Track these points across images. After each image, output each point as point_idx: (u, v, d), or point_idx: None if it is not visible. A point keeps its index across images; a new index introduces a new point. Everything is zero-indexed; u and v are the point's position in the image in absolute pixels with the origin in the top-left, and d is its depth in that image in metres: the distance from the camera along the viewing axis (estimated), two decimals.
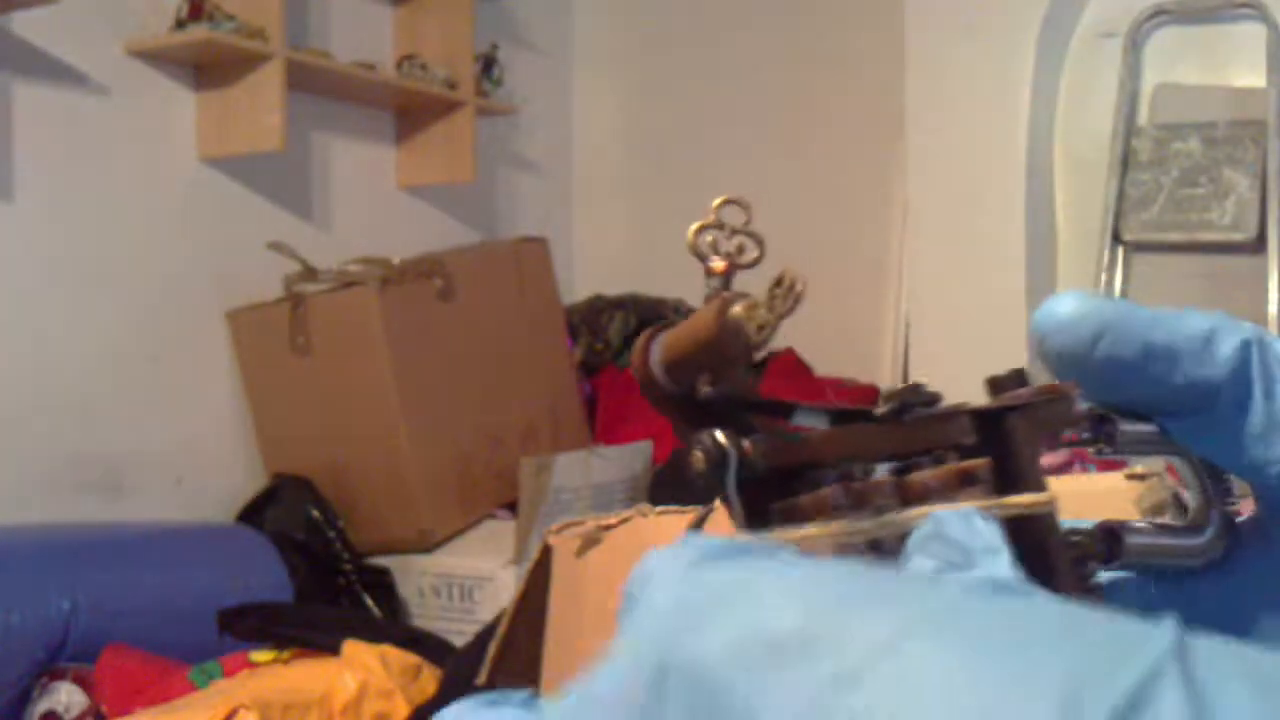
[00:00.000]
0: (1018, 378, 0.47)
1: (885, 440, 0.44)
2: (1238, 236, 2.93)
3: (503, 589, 2.71)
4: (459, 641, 2.41)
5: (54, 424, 2.61)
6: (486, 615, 2.55)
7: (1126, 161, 3.05)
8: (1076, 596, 0.43)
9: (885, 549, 0.41)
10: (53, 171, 2.62)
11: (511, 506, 2.96)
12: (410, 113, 3.41)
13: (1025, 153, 3.07)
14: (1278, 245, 2.88)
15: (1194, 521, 0.48)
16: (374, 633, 2.32)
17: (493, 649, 1.61)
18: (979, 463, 0.43)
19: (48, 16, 2.54)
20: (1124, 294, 3.07)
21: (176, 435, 2.84)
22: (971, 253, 3.10)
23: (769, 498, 0.44)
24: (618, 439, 3.24)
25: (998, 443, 0.45)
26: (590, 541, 1.44)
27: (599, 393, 3.49)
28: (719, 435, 0.41)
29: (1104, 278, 3.05)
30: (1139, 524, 0.48)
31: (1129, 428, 0.47)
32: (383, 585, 2.80)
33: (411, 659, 2.22)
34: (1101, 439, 0.47)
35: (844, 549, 0.41)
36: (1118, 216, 3.04)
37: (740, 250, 0.43)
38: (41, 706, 2.19)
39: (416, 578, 2.86)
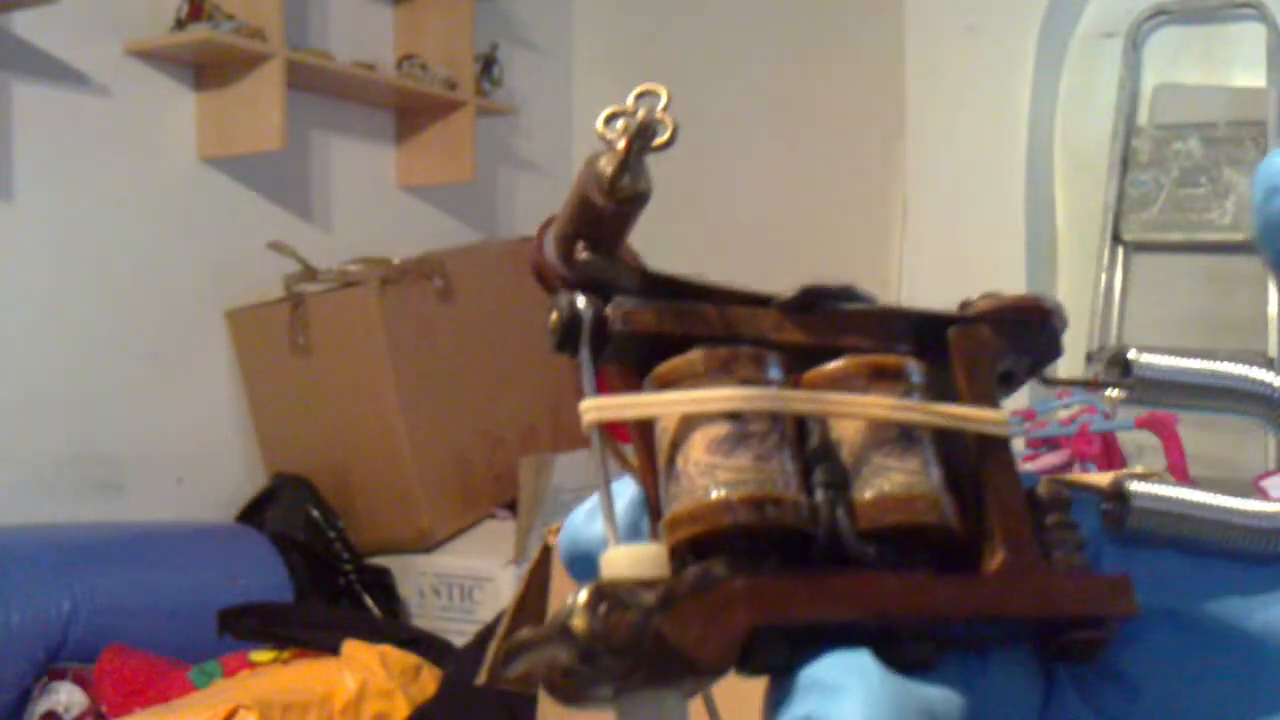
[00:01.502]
0: (989, 295, 0.42)
1: (787, 327, 0.40)
2: (1238, 236, 2.93)
3: (502, 589, 2.71)
4: (459, 641, 2.42)
5: (54, 424, 2.61)
6: (486, 615, 2.56)
7: (1126, 161, 3.05)
8: (1022, 528, 0.38)
9: (744, 423, 0.36)
10: (53, 171, 2.62)
11: (511, 506, 2.96)
12: (410, 113, 3.41)
13: (1025, 152, 3.07)
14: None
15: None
16: (374, 633, 2.32)
17: (493, 648, 1.61)
18: (900, 359, 0.38)
19: (48, 16, 2.54)
20: (1124, 294, 3.07)
21: (176, 435, 2.84)
22: (971, 252, 3.10)
23: (650, 368, 0.40)
24: (618, 439, 3.23)
25: (939, 354, 0.40)
26: None
27: (599, 393, 3.49)
28: (578, 297, 0.38)
29: (1104, 278, 3.05)
30: (1167, 485, 0.41)
31: (1160, 362, 0.42)
32: (382, 585, 2.80)
33: (411, 659, 2.22)
34: (1123, 383, 0.41)
35: (698, 418, 0.37)
36: (1118, 216, 3.04)
37: (651, 133, 0.39)
38: (41, 706, 2.19)
39: (416, 578, 2.86)
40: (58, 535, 2.40)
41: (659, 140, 0.39)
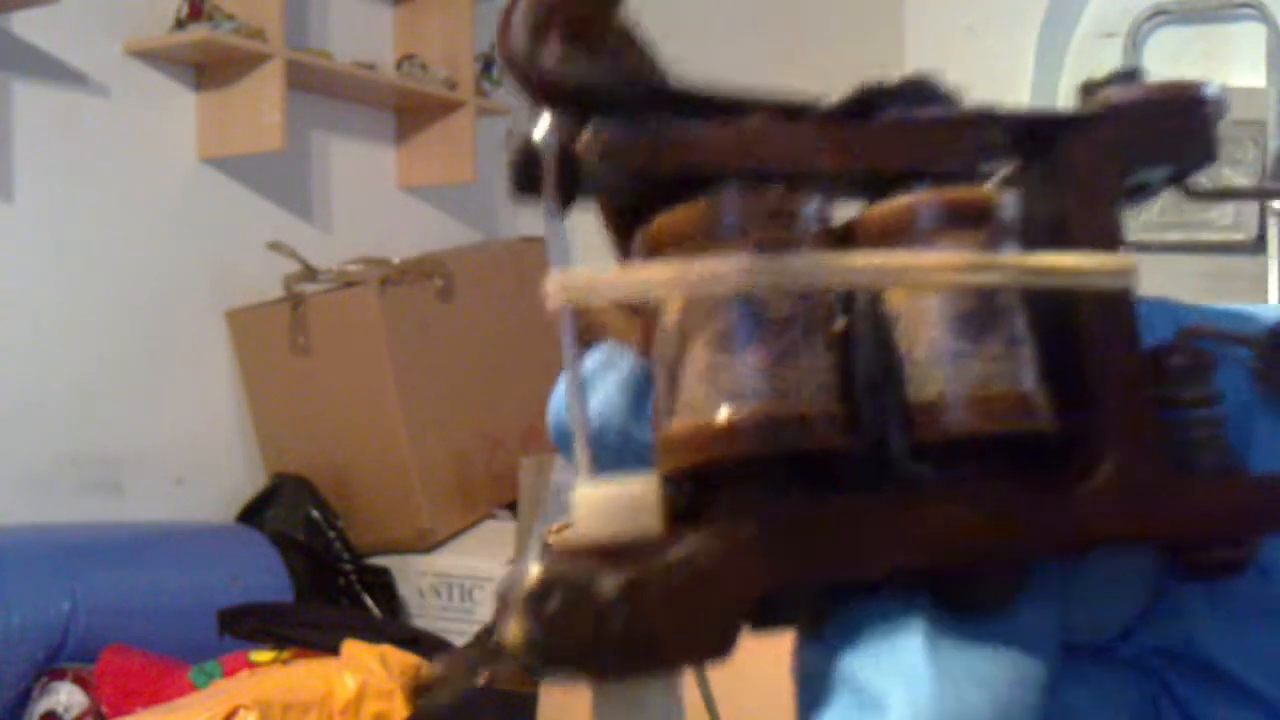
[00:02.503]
0: (1127, 77, 0.31)
1: (834, 150, 0.29)
2: (1238, 237, 2.92)
3: None
4: (459, 641, 2.41)
5: (54, 424, 2.61)
6: (486, 615, 2.55)
7: None
8: (1140, 423, 0.28)
9: (757, 309, 0.27)
10: (52, 171, 2.62)
11: (511, 506, 2.96)
12: (410, 113, 3.40)
13: None
14: (1277, 245, 2.88)
15: None
16: (374, 633, 2.32)
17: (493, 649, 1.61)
18: (977, 191, 0.29)
19: (48, 16, 2.53)
20: None
21: (176, 435, 2.83)
22: None
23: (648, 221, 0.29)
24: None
25: (1047, 176, 0.30)
26: None
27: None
28: (543, 116, 0.28)
29: None
30: None
31: None
32: (382, 585, 2.80)
33: (411, 659, 2.22)
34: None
35: (697, 304, 0.27)
36: None
37: None
38: (41, 706, 2.18)
39: (416, 578, 2.86)
40: (58, 535, 2.39)
41: None
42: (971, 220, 0.27)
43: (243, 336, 2.96)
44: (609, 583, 0.25)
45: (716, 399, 0.27)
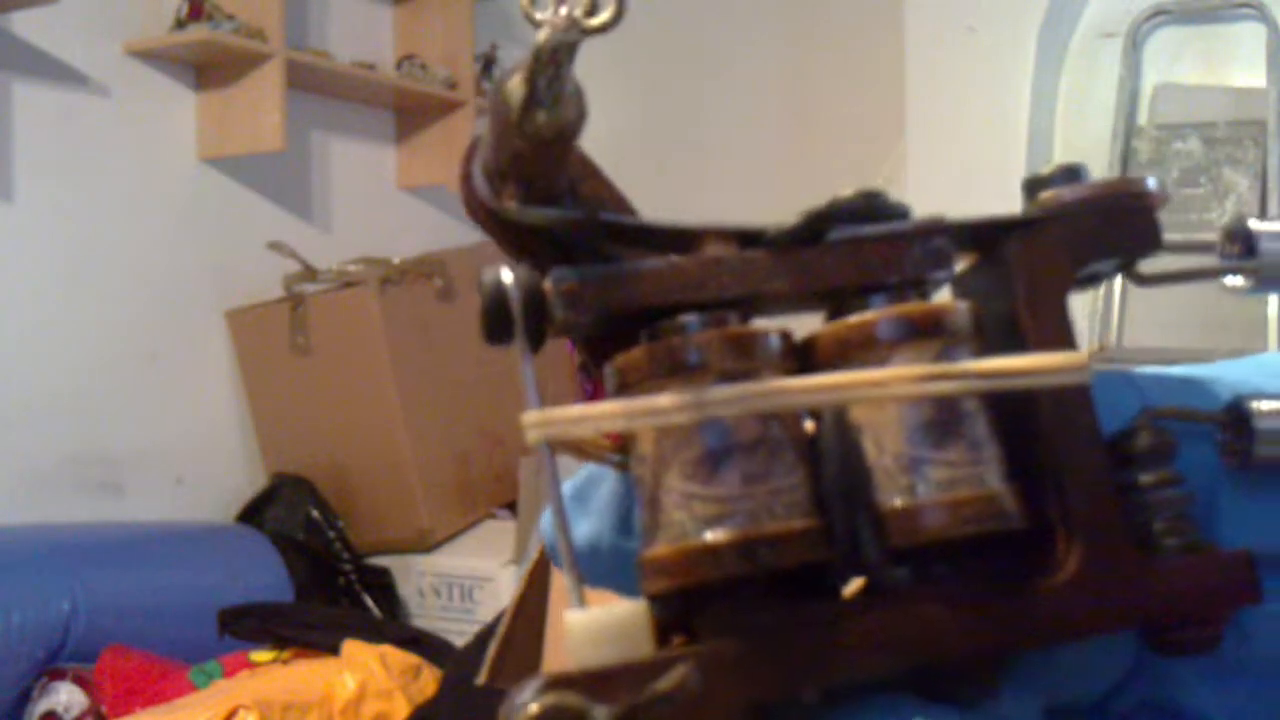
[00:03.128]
0: (1068, 175, 0.32)
1: (790, 273, 0.30)
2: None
3: (502, 589, 2.71)
4: (459, 642, 2.41)
5: (54, 424, 2.61)
6: (486, 615, 2.55)
7: (1127, 162, 3.04)
8: (1104, 512, 0.28)
9: (724, 434, 0.27)
10: (52, 171, 2.62)
11: (511, 506, 2.96)
12: (410, 113, 3.40)
13: (1025, 153, 3.06)
14: None
15: None
16: (374, 633, 2.32)
17: (493, 649, 1.61)
18: (928, 305, 0.29)
19: (48, 16, 2.53)
20: (1123, 295, 3.06)
21: (176, 435, 2.83)
22: None
23: (622, 352, 0.30)
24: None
25: (997, 278, 0.31)
26: None
27: (599, 393, 3.47)
28: (504, 276, 0.29)
29: None
30: None
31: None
32: (382, 585, 2.80)
33: (411, 659, 2.22)
34: (1245, 267, 0.32)
35: (668, 432, 0.28)
36: None
37: (589, 12, 0.29)
38: (41, 706, 2.18)
39: (416, 578, 2.85)
40: (58, 535, 2.39)
41: (597, 20, 0.28)
42: (926, 331, 0.29)
43: (243, 336, 2.96)
44: (602, 714, 0.26)
45: (695, 525, 0.28)
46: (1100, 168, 3.08)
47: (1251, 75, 2.97)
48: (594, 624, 0.27)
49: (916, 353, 0.29)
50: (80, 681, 2.18)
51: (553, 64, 0.27)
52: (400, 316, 2.87)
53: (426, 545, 2.88)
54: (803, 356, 0.30)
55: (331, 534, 2.80)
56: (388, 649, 2.21)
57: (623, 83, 4.03)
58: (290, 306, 2.89)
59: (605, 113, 3.62)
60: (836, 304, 0.31)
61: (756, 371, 0.29)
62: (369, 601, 2.76)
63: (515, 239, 0.30)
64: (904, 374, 0.28)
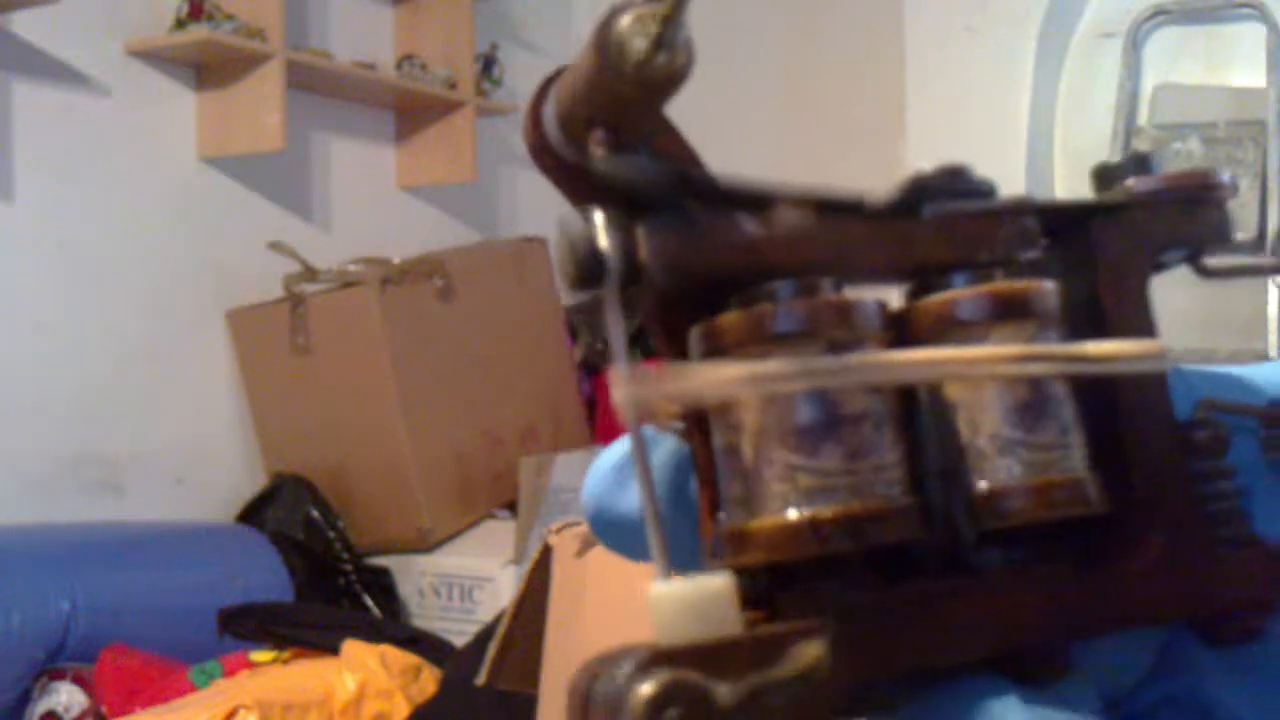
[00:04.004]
0: (1139, 164, 0.32)
1: (884, 245, 0.30)
2: (1238, 237, 2.92)
3: (502, 589, 2.70)
4: (459, 642, 2.41)
5: (54, 424, 2.60)
6: (486, 615, 2.55)
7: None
8: (1181, 501, 0.30)
9: (833, 406, 0.27)
10: (52, 171, 2.61)
11: (511, 506, 2.95)
12: (410, 113, 3.40)
13: (1025, 153, 3.07)
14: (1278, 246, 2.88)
15: None
16: (374, 633, 2.32)
17: (493, 649, 1.61)
18: (1026, 285, 0.29)
19: (48, 16, 2.53)
20: None
21: (176, 435, 2.83)
22: None
23: (696, 316, 0.29)
24: (618, 439, 3.22)
25: (1077, 261, 0.31)
26: (590, 542, 1.44)
27: (599, 393, 3.49)
28: (596, 218, 0.28)
29: None
30: None
31: None
32: (382, 585, 2.79)
33: (411, 659, 2.22)
34: None
35: (774, 401, 0.27)
36: None
37: None
38: (41, 707, 2.18)
39: (416, 578, 2.85)
40: (58, 535, 2.39)
41: None
42: (1024, 312, 0.29)
43: (243, 336, 2.96)
44: (728, 692, 0.25)
45: (799, 498, 0.28)
46: None
47: (1251, 75, 2.97)
48: (682, 597, 0.26)
49: (1014, 332, 0.29)
50: (80, 681, 2.18)
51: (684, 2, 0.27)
52: (400, 316, 2.86)
53: (426, 545, 2.88)
54: (897, 332, 0.30)
55: (331, 534, 2.80)
56: (388, 649, 2.21)
57: None
58: (290, 306, 2.89)
59: None
60: (922, 279, 0.31)
61: (862, 342, 0.29)
62: (369, 601, 2.75)
63: (588, 189, 0.29)
64: (1002, 353, 0.28)
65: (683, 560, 0.30)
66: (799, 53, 3.68)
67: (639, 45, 0.27)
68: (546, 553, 1.49)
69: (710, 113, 4.01)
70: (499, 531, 2.93)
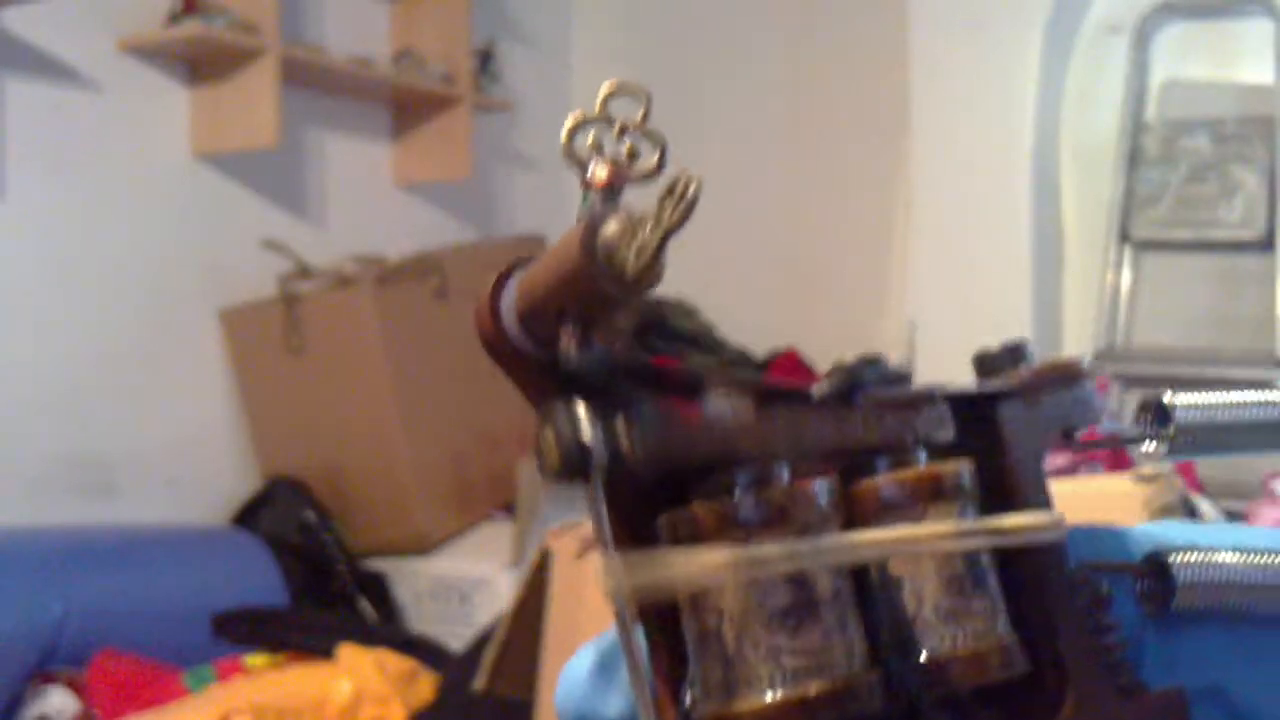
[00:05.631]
0: (1014, 354, 0.37)
1: (825, 430, 0.33)
2: (1246, 234, 2.90)
3: (500, 592, 2.69)
4: (456, 646, 2.40)
5: (45, 425, 2.59)
6: (484, 619, 2.54)
7: (1134, 158, 3.02)
8: (1087, 656, 0.34)
9: (809, 587, 0.30)
10: (44, 168, 2.60)
11: (509, 509, 2.94)
12: (406, 109, 3.39)
13: (1031, 149, 3.05)
14: None
15: None
16: (370, 637, 2.33)
17: (490, 653, 1.59)
18: (954, 467, 0.33)
19: (40, 11, 2.52)
20: (1133, 293, 3.05)
21: (169, 436, 2.81)
22: (977, 251, 3.08)
23: (657, 506, 0.32)
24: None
25: (986, 440, 0.35)
26: (590, 544, 1.42)
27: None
28: (579, 411, 0.30)
29: (1111, 276, 3.03)
30: (1216, 549, 0.36)
31: (1201, 402, 0.36)
32: (378, 589, 2.79)
33: (408, 664, 2.22)
34: (1155, 435, 0.37)
35: (755, 585, 0.30)
36: (1125, 214, 3.02)
37: (631, 156, 0.32)
38: (33, 711, 2.18)
39: (413, 581, 2.84)
40: (49, 538, 2.39)
41: (644, 167, 0.31)
42: (949, 492, 0.32)
43: (236, 336, 2.94)
44: None
45: (784, 678, 0.30)
46: (1108, 164, 3.06)
47: (1260, 71, 2.96)
48: None
49: (945, 509, 0.32)
50: (72, 686, 2.18)
51: (684, 208, 0.29)
52: (396, 315, 2.85)
53: (423, 548, 2.87)
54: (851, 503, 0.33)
55: (327, 537, 2.79)
56: (384, 653, 2.21)
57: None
58: (285, 305, 2.88)
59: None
60: (853, 460, 0.34)
61: (827, 524, 0.31)
62: (365, 605, 2.74)
63: (544, 380, 0.32)
64: (941, 530, 0.31)
65: None
66: (803, 49, 3.66)
67: (624, 255, 0.29)
68: (545, 555, 1.47)
69: (716, 109, 4.02)
70: (497, 534, 2.93)
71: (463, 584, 2.79)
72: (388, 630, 2.59)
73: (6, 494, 2.50)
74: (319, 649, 2.24)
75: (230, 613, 2.33)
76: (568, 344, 0.31)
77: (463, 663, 2.17)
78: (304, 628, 2.35)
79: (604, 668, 0.35)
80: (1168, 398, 0.37)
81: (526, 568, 1.51)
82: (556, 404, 0.31)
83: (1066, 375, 0.36)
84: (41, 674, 2.19)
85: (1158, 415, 0.37)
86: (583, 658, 0.35)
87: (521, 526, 2.77)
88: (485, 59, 3.49)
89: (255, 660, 2.26)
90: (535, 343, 0.33)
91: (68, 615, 2.21)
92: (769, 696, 0.30)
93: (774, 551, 0.30)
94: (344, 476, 2.88)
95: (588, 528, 1.41)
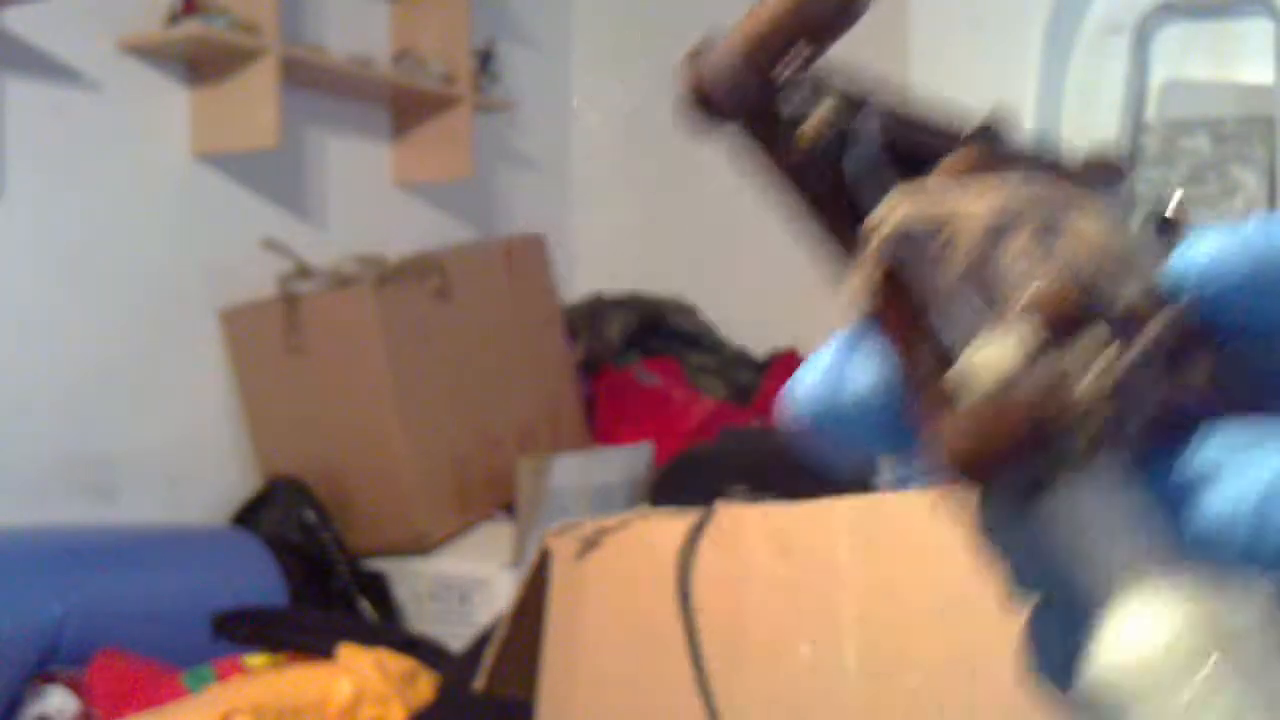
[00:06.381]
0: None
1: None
2: None
3: (500, 592, 2.69)
4: (456, 646, 2.40)
5: (45, 425, 2.59)
6: (484, 619, 2.53)
7: (1134, 158, 3.02)
8: None
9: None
10: (44, 168, 2.60)
11: (509, 509, 2.94)
12: (407, 109, 3.38)
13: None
14: None
15: None
16: (369, 637, 2.32)
17: (490, 653, 1.59)
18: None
19: (40, 11, 2.52)
20: None
21: (169, 436, 2.81)
22: None
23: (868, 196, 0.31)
24: (617, 440, 3.21)
25: None
26: (590, 544, 1.42)
27: (598, 393, 3.47)
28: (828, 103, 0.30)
29: None
30: None
31: None
32: (378, 589, 2.79)
33: (408, 664, 2.21)
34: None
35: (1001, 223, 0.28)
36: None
37: None
38: (33, 711, 2.17)
39: (413, 581, 2.84)
40: (49, 539, 2.38)
41: None
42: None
43: (236, 336, 2.94)
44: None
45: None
46: None
47: (1260, 71, 2.96)
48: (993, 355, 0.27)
49: None
50: (72, 686, 2.17)
51: None
52: (396, 316, 2.85)
53: (423, 548, 2.87)
54: None
55: (327, 537, 2.78)
56: (384, 653, 2.20)
57: (622, 78, 4.01)
58: (285, 305, 2.87)
59: (605, 110, 3.61)
60: None
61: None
62: (365, 605, 2.74)
63: (771, 124, 0.31)
64: None
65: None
66: None
67: None
68: (545, 556, 1.47)
69: None
70: (497, 534, 2.93)
71: (463, 584, 2.79)
72: (388, 630, 2.59)
73: (6, 494, 2.50)
74: (319, 649, 2.24)
75: (230, 613, 2.33)
76: (791, 61, 0.31)
77: (463, 663, 2.17)
78: (304, 628, 2.35)
79: (853, 344, 0.31)
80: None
81: (526, 568, 1.50)
82: (798, 88, 0.30)
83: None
84: (41, 674, 2.18)
85: None
86: (821, 352, 0.31)
87: (521, 526, 2.77)
88: (485, 59, 3.49)
89: (255, 660, 2.25)
90: (757, 79, 0.31)
91: (68, 615, 2.21)
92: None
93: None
94: (344, 476, 2.88)
95: (588, 528, 1.41)
